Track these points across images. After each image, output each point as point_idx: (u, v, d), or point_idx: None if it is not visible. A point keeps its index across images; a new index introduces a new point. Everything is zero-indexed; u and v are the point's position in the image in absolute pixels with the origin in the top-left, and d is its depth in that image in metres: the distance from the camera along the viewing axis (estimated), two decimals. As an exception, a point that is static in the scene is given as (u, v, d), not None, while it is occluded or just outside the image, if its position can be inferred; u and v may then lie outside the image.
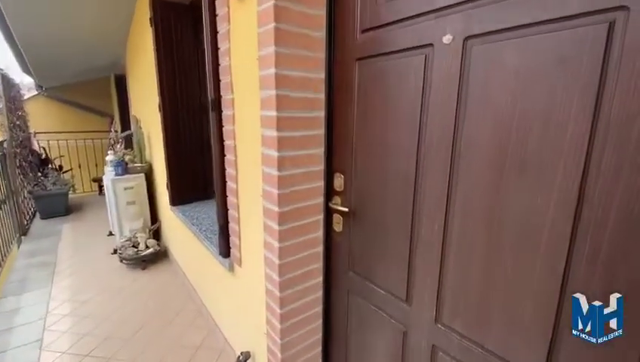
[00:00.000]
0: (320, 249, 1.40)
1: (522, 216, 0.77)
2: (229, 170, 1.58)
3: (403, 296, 1.11)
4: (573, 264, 0.70)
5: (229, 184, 1.60)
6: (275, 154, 1.17)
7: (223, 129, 1.56)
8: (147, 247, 3.22)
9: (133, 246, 3.20)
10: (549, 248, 0.74)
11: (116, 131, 4.93)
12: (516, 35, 0.74)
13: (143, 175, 3.46)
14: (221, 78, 1.51)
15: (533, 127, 0.73)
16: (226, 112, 1.52)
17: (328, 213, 1.37)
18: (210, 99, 1.56)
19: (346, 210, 1.26)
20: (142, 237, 3.24)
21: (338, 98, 1.25)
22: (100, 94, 6.56)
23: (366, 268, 1.26)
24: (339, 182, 1.30)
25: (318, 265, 1.40)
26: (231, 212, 1.64)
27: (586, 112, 0.65)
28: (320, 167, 1.30)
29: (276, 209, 1.21)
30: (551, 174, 0.71)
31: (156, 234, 3.67)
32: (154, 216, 3.72)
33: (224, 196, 1.65)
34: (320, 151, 1.29)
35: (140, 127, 3.67)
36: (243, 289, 1.68)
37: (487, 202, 0.84)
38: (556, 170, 0.71)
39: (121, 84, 5.23)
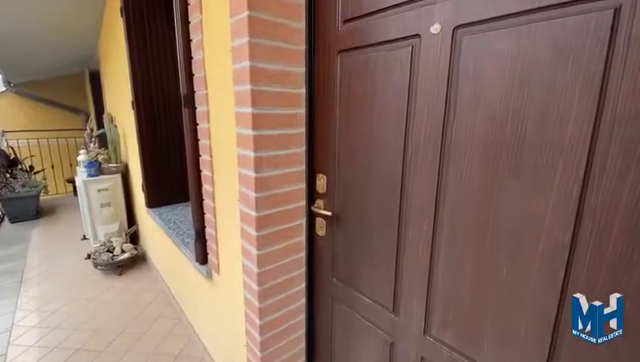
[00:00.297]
0: (303, 254, 1.32)
1: (517, 220, 0.71)
2: (205, 172, 1.47)
3: (390, 306, 1.05)
4: (573, 273, 0.65)
5: (205, 186, 1.50)
6: (251, 154, 1.07)
7: (198, 127, 1.45)
8: (123, 252, 3.07)
9: (108, 251, 3.03)
10: (546, 255, 0.68)
11: (92, 129, 4.70)
12: (511, 24, 0.68)
13: (118, 176, 3.29)
14: (194, 72, 1.40)
15: (529, 125, 0.67)
16: (200, 109, 1.41)
17: (311, 216, 1.29)
18: (182, 95, 1.44)
19: (329, 213, 1.18)
20: (117, 242, 3.08)
21: (319, 94, 1.17)
22: (75, 90, 6.26)
23: (350, 275, 1.19)
24: (321, 183, 1.22)
25: (301, 271, 1.32)
26: (207, 216, 1.53)
27: (588, 108, 0.59)
28: (301, 167, 1.22)
29: (254, 213, 1.12)
30: (549, 175, 0.65)
31: (134, 238, 3.50)
32: (131, 219, 3.55)
33: (200, 199, 1.54)
34: (301, 150, 1.21)
35: (115, 126, 3.49)
36: (222, 297, 1.58)
37: (479, 205, 0.77)
38: (555, 171, 0.64)
39: (96, 79, 4.99)
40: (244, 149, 1.11)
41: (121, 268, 3.02)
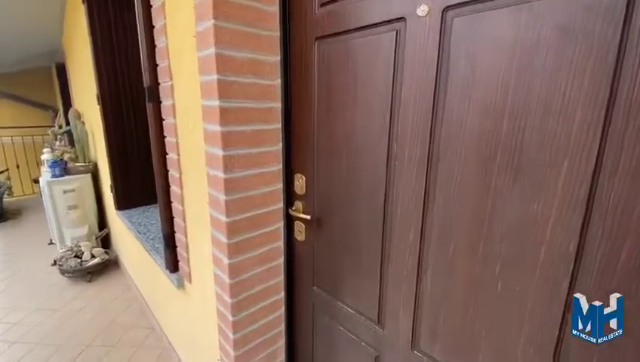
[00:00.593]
0: (281, 261, 1.21)
1: (516, 225, 0.63)
2: (172, 172, 1.34)
3: (375, 318, 0.96)
4: (578, 285, 0.57)
5: (173, 188, 1.37)
6: (219, 152, 0.96)
7: (163, 122, 1.32)
8: (93, 257, 2.87)
9: (76, 256, 2.83)
10: (548, 265, 0.60)
11: (60, 126, 4.42)
12: (509, 2, 0.59)
13: (87, 175, 3.07)
14: (158, 61, 1.26)
15: (529, 118, 0.59)
16: (165, 102, 1.28)
17: (290, 219, 1.19)
18: (146, 86, 1.31)
19: (308, 217, 1.08)
20: (86, 246, 2.88)
21: (296, 86, 1.06)
22: (42, 85, 5.88)
23: (332, 283, 1.09)
24: (300, 184, 1.12)
25: (279, 279, 1.22)
26: (177, 220, 1.40)
27: (598, 96, 0.51)
28: (277, 167, 1.11)
29: (224, 218, 1.00)
30: (553, 175, 0.57)
31: (106, 242, 3.30)
32: (103, 221, 3.34)
33: (168, 201, 1.41)
34: (277, 148, 1.10)
35: (83, 122, 3.26)
36: (194, 308, 1.46)
37: (473, 209, 0.69)
38: (559, 169, 0.57)
39: (64, 73, 4.69)
40: (212, 147, 0.99)
41: (90, 274, 2.83)
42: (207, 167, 1.03)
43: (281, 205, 1.15)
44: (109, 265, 3.04)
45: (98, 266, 2.86)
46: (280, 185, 1.13)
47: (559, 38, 0.54)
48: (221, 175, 0.97)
